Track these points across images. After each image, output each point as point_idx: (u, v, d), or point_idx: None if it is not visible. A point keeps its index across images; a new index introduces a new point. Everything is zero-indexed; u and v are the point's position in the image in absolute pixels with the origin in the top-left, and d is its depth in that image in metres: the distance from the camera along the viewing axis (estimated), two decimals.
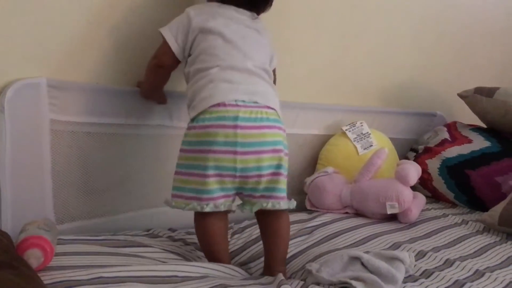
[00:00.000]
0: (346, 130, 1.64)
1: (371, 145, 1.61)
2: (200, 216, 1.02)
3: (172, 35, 1.09)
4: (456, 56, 2.03)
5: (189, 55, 1.09)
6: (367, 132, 1.64)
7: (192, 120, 1.01)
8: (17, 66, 1.08)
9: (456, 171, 1.67)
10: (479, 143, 1.70)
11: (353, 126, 1.65)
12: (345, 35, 1.66)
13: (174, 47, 1.09)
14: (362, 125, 1.65)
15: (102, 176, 1.22)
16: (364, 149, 1.60)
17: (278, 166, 1.02)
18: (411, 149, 1.86)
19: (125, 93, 1.22)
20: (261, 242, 1.10)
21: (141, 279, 0.86)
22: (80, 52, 1.16)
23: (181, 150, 1.03)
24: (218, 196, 1.00)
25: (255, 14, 1.13)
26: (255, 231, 1.24)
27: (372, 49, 1.75)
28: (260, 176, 1.00)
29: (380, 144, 1.62)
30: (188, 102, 1.05)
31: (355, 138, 1.62)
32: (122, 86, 1.22)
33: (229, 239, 1.20)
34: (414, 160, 1.71)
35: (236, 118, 0.97)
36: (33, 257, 0.83)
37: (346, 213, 1.46)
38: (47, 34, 1.10)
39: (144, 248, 1.08)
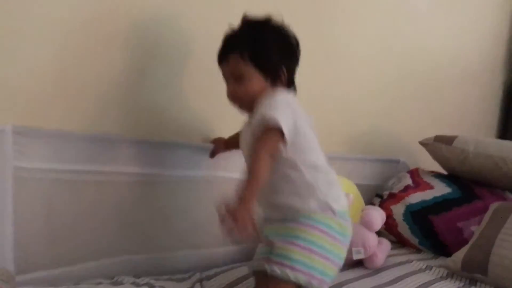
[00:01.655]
0: None
1: None
2: None
3: (287, 129, 1.01)
4: (417, 105, 2.11)
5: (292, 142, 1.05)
6: None
7: (333, 210, 1.06)
8: None
9: (419, 216, 1.70)
10: (441, 189, 1.75)
11: None
12: (310, 82, 1.71)
13: (286, 139, 1.02)
14: None
15: (66, 224, 1.20)
16: None
17: None
18: (376, 195, 1.90)
19: (91, 139, 1.22)
20: None
21: None
22: (47, 99, 1.16)
23: (319, 230, 1.05)
24: None
25: None
26: (224, 279, 1.23)
27: (337, 96, 1.80)
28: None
29: (346, 189, 1.64)
30: (316, 185, 1.06)
31: None
32: (88, 132, 1.22)
33: (199, 287, 1.21)
34: (379, 206, 1.74)
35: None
36: None
37: None
38: (12, 81, 1.10)
39: None
